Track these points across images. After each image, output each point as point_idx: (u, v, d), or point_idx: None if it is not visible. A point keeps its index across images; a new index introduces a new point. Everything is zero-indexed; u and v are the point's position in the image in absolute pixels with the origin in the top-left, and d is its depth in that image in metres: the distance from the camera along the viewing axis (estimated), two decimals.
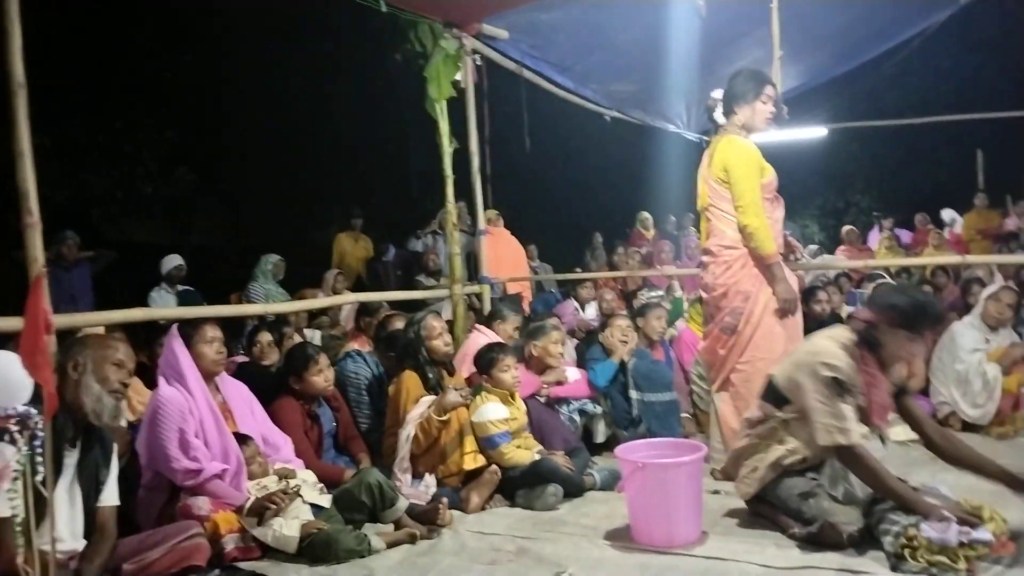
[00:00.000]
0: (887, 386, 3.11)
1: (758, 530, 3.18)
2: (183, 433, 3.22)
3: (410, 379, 4.00)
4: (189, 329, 3.57)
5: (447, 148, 5.49)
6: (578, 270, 9.84)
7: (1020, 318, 5.25)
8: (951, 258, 7.93)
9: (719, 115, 4.04)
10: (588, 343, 5.37)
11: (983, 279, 6.08)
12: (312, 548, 3.06)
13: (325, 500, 3.34)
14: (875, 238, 10.80)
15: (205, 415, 3.35)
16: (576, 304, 7.29)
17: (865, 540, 2.90)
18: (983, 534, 2.67)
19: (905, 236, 11.06)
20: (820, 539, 2.92)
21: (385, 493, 3.33)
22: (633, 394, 4.76)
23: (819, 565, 2.81)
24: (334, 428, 4.13)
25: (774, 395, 3.22)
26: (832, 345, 3.10)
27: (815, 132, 10.70)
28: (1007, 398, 4.68)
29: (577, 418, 4.54)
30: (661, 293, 6.75)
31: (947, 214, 10.89)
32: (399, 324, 4.64)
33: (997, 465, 3.09)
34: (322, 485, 3.45)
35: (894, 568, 2.70)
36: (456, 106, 5.62)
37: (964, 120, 9.99)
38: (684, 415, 4.99)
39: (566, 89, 7.01)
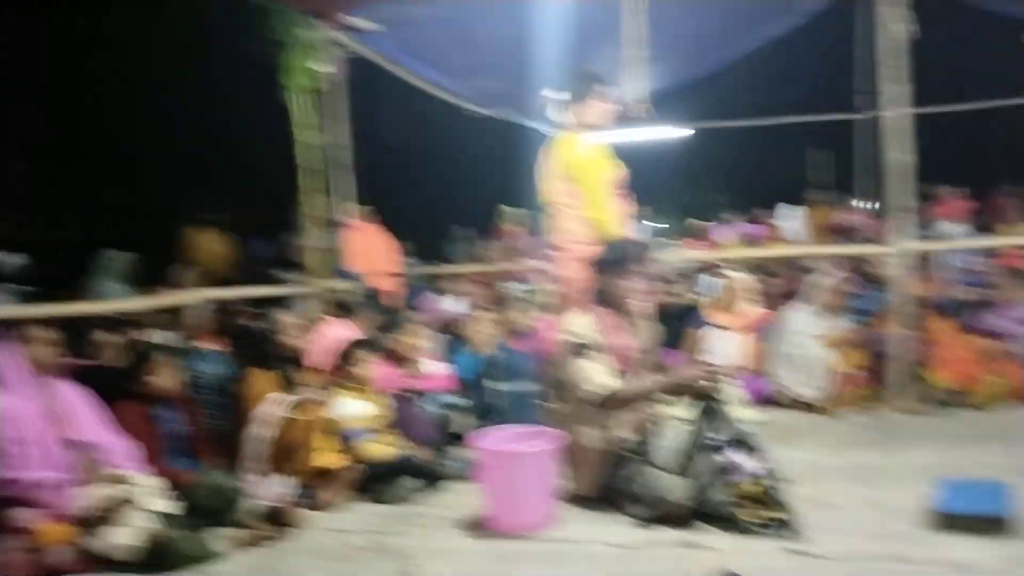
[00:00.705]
0: (626, 338, 3.45)
1: (607, 513, 3.28)
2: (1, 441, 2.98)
3: (261, 377, 3.88)
4: (18, 330, 3.32)
5: (305, 140, 5.38)
6: (441, 264, 9.82)
7: (851, 304, 5.65)
8: (790, 250, 8.42)
9: (554, 113, 4.15)
10: (451, 336, 5.37)
11: (817, 269, 6.51)
12: (149, 556, 2.91)
13: (167, 505, 3.17)
14: (724, 233, 11.32)
15: (31, 421, 3.13)
16: (438, 297, 7.28)
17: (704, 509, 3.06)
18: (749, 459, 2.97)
19: (750, 231, 11.65)
20: (661, 518, 3.05)
21: (230, 495, 3.22)
22: (494, 385, 4.80)
23: (664, 541, 2.95)
24: (180, 430, 3.93)
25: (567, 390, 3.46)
26: (572, 317, 3.47)
27: (679, 132, 11.13)
28: (840, 379, 5.04)
29: (438, 411, 4.53)
30: (523, 286, 6.83)
31: (781, 211, 11.58)
32: (251, 321, 4.49)
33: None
34: (164, 489, 3.28)
35: (742, 530, 2.89)
36: (324, 98, 5.51)
37: (809, 121, 10.79)
38: (543, 404, 5.07)
39: (437, 84, 6.98)
